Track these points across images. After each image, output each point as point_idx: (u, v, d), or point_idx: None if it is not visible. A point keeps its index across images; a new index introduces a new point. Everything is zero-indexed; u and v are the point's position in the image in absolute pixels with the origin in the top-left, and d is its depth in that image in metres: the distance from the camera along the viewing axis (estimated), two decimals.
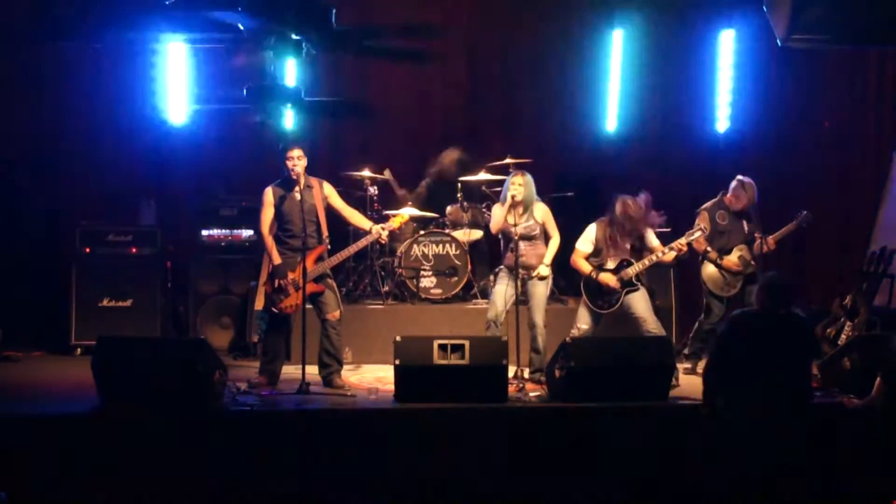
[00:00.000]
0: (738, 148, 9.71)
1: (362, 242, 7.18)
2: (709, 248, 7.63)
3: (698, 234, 7.28)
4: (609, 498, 6.02)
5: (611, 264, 7.20)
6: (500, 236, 7.40)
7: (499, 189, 7.93)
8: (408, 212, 8.56)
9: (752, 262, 7.63)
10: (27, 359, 8.19)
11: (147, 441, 5.83)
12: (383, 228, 7.05)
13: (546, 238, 7.30)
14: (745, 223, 7.67)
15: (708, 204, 7.72)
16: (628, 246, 7.20)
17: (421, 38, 8.89)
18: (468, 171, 9.07)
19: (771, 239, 7.55)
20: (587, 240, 7.27)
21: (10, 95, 9.17)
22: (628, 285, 7.15)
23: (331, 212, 7.11)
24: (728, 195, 7.69)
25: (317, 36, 7.65)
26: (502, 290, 7.19)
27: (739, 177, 7.70)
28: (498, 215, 7.24)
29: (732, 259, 7.60)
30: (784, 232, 7.72)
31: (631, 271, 7.13)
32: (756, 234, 7.63)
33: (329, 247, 7.04)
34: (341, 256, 7.13)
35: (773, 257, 7.67)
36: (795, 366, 5.44)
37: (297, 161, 6.90)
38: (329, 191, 7.11)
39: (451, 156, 9.29)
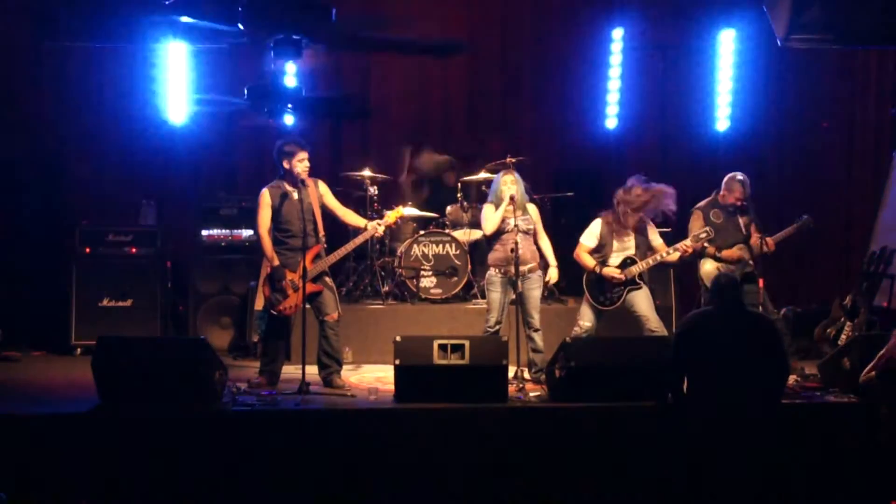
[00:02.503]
0: (738, 147, 9.72)
1: (359, 240, 7.15)
2: (706, 244, 7.61)
3: (703, 235, 7.27)
4: (609, 498, 6.02)
5: (615, 261, 7.20)
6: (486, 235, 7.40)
7: None
8: (408, 212, 8.57)
9: (751, 262, 7.62)
10: (27, 359, 8.19)
11: (147, 441, 5.82)
12: (379, 224, 7.04)
13: (534, 235, 7.30)
14: (740, 221, 7.64)
15: (702, 203, 7.69)
16: (632, 241, 7.20)
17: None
18: (450, 170, 9.08)
19: (770, 240, 7.54)
20: (591, 234, 7.27)
21: (11, 96, 9.17)
22: (631, 283, 7.15)
23: (326, 211, 7.09)
24: (720, 192, 7.68)
25: (317, 33, 7.67)
26: (500, 298, 7.18)
27: (731, 174, 7.69)
28: (493, 215, 7.22)
29: (733, 250, 7.57)
30: (784, 234, 7.71)
31: (635, 269, 7.13)
32: (755, 234, 7.62)
33: (325, 245, 7.03)
34: (339, 254, 7.10)
35: (772, 258, 7.68)
36: (759, 364, 5.43)
37: (307, 163, 6.88)
38: (324, 189, 7.08)
39: (426, 159, 9.32)
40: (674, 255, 7.19)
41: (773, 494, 5.43)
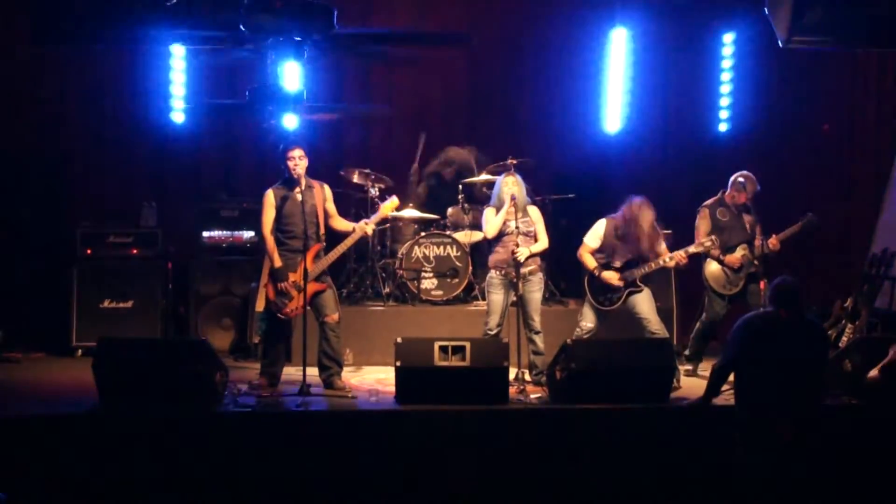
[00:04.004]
0: (738, 149, 9.71)
1: (349, 241, 7.09)
2: None
3: (709, 244, 7.27)
4: (610, 500, 6.02)
5: (617, 263, 7.20)
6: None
7: None
8: (409, 213, 8.58)
9: (755, 262, 7.64)
10: (28, 360, 8.19)
11: (148, 442, 5.83)
12: (366, 223, 7.04)
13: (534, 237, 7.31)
14: (745, 220, 7.67)
15: (709, 201, 7.72)
16: (636, 248, 7.20)
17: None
18: (473, 173, 9.08)
19: (775, 239, 7.56)
20: (595, 235, 7.27)
21: (12, 97, 9.17)
22: (632, 285, 7.15)
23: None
24: (728, 192, 7.70)
25: (318, 38, 7.67)
26: (500, 300, 7.18)
27: (738, 174, 7.71)
28: (495, 218, 7.22)
29: (735, 256, 7.59)
30: (789, 233, 7.71)
31: (637, 272, 7.13)
32: (759, 235, 7.64)
33: (325, 244, 7.04)
34: (337, 253, 7.07)
35: (774, 258, 7.68)
36: (810, 369, 5.46)
37: (298, 161, 6.90)
38: (328, 194, 7.11)
39: (462, 154, 9.31)
40: (670, 263, 7.19)
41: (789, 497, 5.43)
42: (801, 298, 5.57)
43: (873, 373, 5.85)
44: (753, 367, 5.43)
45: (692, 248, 7.23)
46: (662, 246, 7.28)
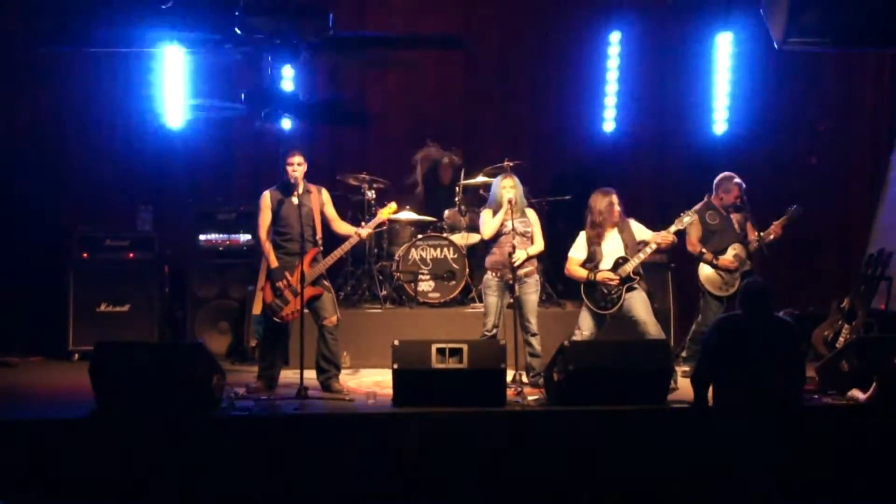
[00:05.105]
0: (735, 150, 9.72)
1: (346, 245, 7.12)
2: (703, 250, 7.66)
3: (687, 219, 7.24)
4: (608, 501, 6.01)
5: (606, 265, 7.19)
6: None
7: None
8: (406, 216, 8.56)
9: (748, 261, 7.65)
10: (25, 364, 8.18)
11: (145, 446, 5.81)
12: (363, 227, 7.10)
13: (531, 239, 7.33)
14: (734, 220, 7.71)
15: (697, 206, 7.71)
16: (620, 242, 7.19)
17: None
18: (455, 167, 9.09)
19: (777, 225, 7.61)
20: (579, 246, 7.28)
21: (8, 100, 9.16)
22: (627, 281, 7.14)
23: (323, 219, 7.11)
24: (715, 195, 7.75)
25: (314, 40, 7.68)
26: (496, 302, 7.20)
27: (723, 175, 7.75)
28: (492, 220, 7.24)
29: (728, 258, 7.62)
30: (777, 226, 7.74)
31: (628, 267, 7.12)
32: (752, 232, 7.66)
33: (322, 248, 7.04)
34: (334, 257, 7.08)
35: (771, 260, 7.69)
36: (783, 368, 5.47)
37: (297, 167, 6.91)
38: (326, 198, 7.13)
39: (429, 158, 9.33)
40: (653, 247, 7.16)
41: (777, 496, 5.44)
42: (771, 299, 5.59)
43: (862, 396, 5.90)
44: (727, 369, 5.45)
45: (672, 228, 7.20)
46: (647, 234, 7.22)
